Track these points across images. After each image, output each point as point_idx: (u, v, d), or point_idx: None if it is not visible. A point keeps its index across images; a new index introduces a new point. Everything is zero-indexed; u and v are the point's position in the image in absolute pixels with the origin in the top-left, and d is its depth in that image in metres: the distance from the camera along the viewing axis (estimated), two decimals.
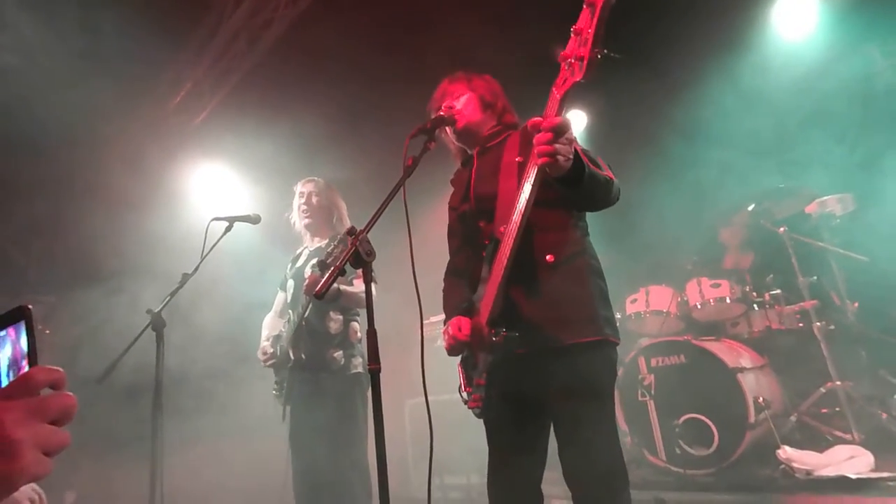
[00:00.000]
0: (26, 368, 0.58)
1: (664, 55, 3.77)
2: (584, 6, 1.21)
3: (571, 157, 1.34)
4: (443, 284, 1.99)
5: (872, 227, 3.60)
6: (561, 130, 1.28)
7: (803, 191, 3.85)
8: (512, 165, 1.69)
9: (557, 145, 1.28)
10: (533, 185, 1.43)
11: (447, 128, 1.87)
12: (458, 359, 1.81)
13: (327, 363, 2.68)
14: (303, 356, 2.71)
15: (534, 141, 1.32)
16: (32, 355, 0.59)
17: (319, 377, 2.67)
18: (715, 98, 4.27)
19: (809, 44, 4.38)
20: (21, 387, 0.54)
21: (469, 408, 1.73)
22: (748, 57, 4.49)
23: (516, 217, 1.48)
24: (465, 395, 1.75)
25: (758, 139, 4.35)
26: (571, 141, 1.33)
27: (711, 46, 4.26)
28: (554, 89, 1.31)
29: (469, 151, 1.94)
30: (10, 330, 0.60)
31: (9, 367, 0.60)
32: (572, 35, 1.25)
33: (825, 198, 3.79)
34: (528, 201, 1.45)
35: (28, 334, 0.59)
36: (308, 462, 2.65)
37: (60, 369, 0.56)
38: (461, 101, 1.87)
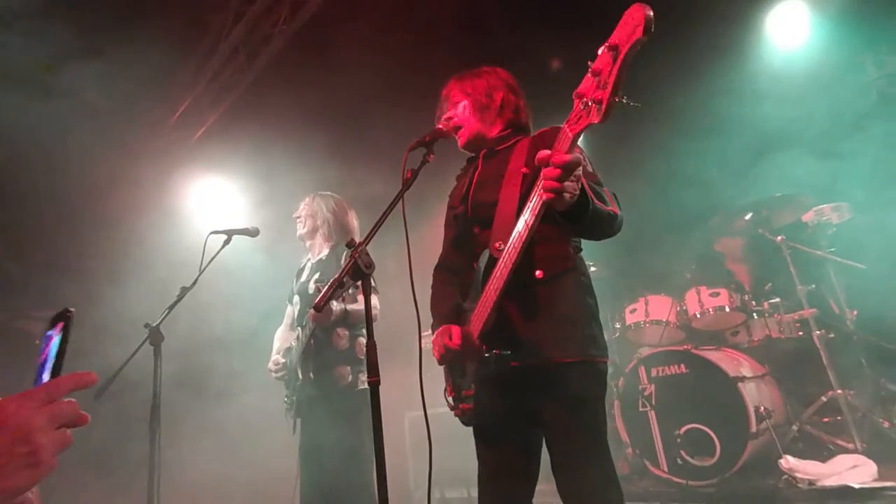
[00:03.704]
0: (50, 363, 0.64)
1: (659, 64, 3.81)
2: (605, 49, 1.17)
3: (577, 193, 1.32)
4: (432, 279, 1.97)
5: (869, 236, 3.61)
6: (571, 168, 1.25)
7: (800, 199, 3.87)
8: (516, 175, 1.67)
9: (566, 183, 1.26)
10: (536, 215, 1.42)
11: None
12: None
13: (335, 380, 2.66)
14: (311, 374, 2.70)
15: (541, 174, 1.30)
16: (61, 354, 0.64)
17: (328, 394, 2.66)
18: (710, 106, 4.30)
19: (803, 53, 4.43)
20: (47, 393, 0.59)
21: (455, 415, 1.72)
22: (743, 66, 4.53)
23: (515, 241, 1.47)
24: (450, 399, 1.76)
25: (753, 148, 4.38)
26: (580, 178, 1.31)
27: (706, 56, 4.31)
28: (566, 126, 1.28)
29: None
30: (57, 329, 0.67)
31: (45, 361, 0.66)
32: (589, 74, 1.21)
33: (821, 206, 3.80)
34: (531, 227, 1.43)
35: (63, 334, 0.65)
36: (316, 478, 2.64)
37: (86, 375, 0.62)
38: (459, 109, 1.87)
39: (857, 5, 4.18)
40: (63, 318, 0.66)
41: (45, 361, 0.65)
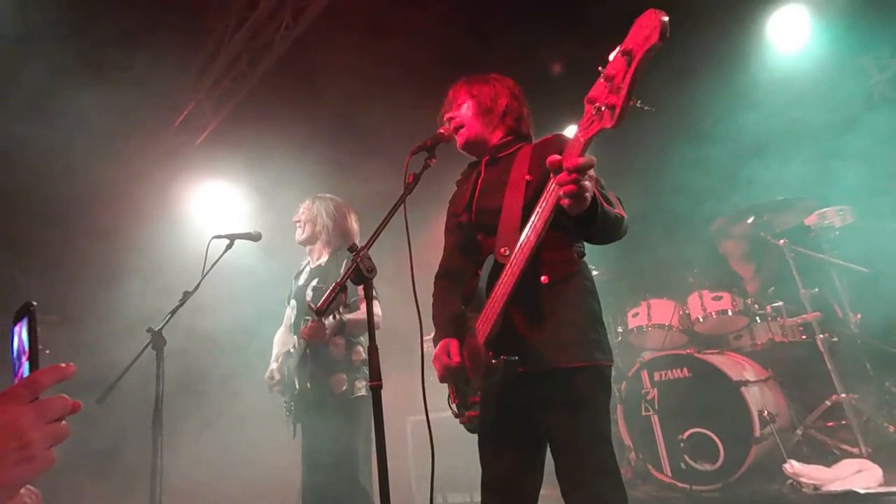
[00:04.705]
0: (25, 362, 0.64)
1: (661, 69, 3.81)
2: (618, 53, 1.16)
3: (591, 195, 1.32)
4: (433, 286, 1.96)
5: (872, 239, 3.60)
6: (584, 170, 1.25)
7: (802, 203, 3.86)
8: (520, 182, 1.67)
9: (583, 182, 1.26)
10: (546, 221, 1.41)
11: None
12: None
13: (331, 387, 2.66)
14: (308, 384, 2.69)
15: (555, 180, 1.29)
16: (33, 349, 0.64)
17: (324, 401, 2.65)
18: (712, 110, 4.30)
19: (804, 57, 4.43)
20: (28, 389, 0.59)
21: (461, 423, 1.72)
22: (744, 70, 4.54)
23: (523, 246, 1.47)
24: (454, 406, 1.75)
25: (755, 152, 4.38)
26: (594, 178, 1.31)
27: (708, 60, 4.32)
28: (578, 132, 1.27)
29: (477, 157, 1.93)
30: (19, 326, 0.67)
31: (17, 357, 0.66)
32: (601, 79, 1.21)
33: (824, 209, 3.79)
34: (539, 233, 1.43)
35: (29, 329, 0.65)
36: (316, 483, 2.64)
37: (65, 367, 0.62)
38: (463, 110, 1.87)
39: (857, 8, 4.18)
40: (26, 313, 0.66)
41: (19, 356, 0.65)
